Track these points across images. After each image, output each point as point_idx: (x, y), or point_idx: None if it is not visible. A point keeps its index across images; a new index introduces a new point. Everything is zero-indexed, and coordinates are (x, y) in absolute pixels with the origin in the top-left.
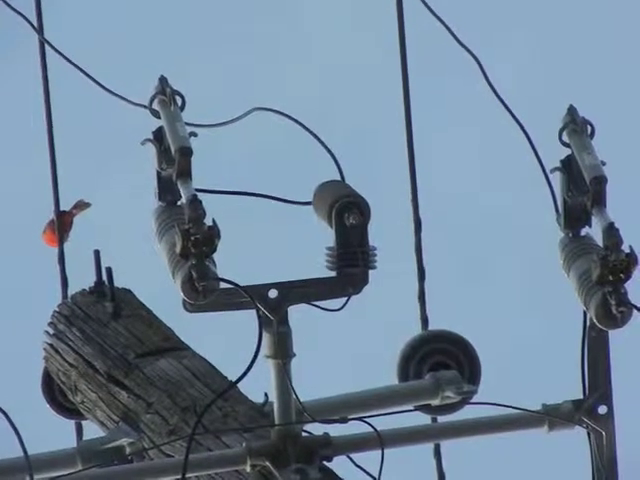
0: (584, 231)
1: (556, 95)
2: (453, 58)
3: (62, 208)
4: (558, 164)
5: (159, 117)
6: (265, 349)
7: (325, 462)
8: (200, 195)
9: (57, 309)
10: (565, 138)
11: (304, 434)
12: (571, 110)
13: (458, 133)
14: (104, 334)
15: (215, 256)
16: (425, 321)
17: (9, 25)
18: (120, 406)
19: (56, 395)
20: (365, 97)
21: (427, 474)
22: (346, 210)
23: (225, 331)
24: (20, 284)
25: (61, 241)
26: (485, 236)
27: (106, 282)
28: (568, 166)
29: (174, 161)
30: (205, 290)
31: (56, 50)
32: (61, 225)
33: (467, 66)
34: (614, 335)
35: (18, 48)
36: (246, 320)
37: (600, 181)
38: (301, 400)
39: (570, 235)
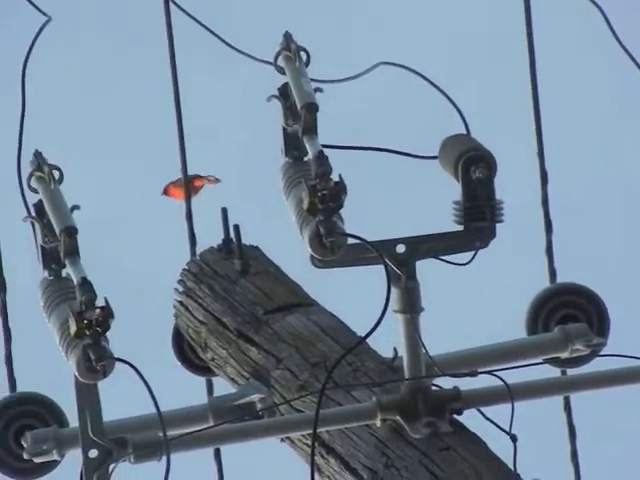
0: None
1: None
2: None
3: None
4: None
5: (284, 73)
6: (394, 304)
7: (455, 415)
8: (326, 151)
9: (186, 267)
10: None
11: (434, 388)
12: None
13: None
14: (233, 291)
15: (342, 212)
16: (553, 274)
17: None
18: (250, 362)
19: (186, 352)
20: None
21: (557, 428)
22: (472, 164)
23: (352, 287)
24: (149, 242)
25: (189, 198)
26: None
27: (234, 239)
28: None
29: (300, 117)
30: (333, 246)
31: (182, 9)
32: (190, 185)
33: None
34: None
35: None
36: (373, 275)
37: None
38: (430, 354)
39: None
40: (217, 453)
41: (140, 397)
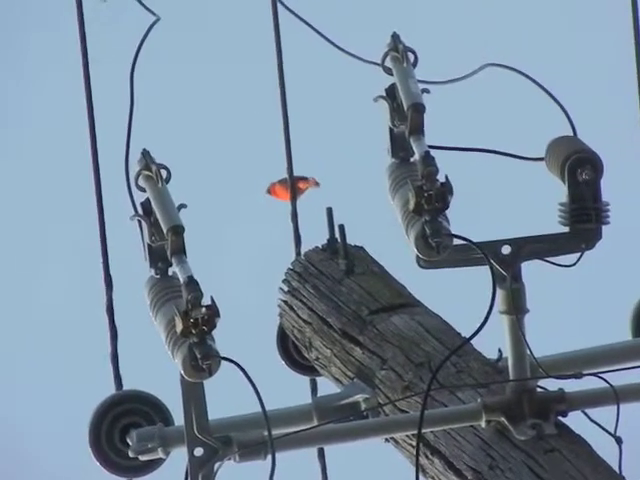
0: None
1: None
2: None
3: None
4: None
5: (391, 74)
6: (499, 305)
7: (560, 417)
8: (433, 151)
9: (291, 266)
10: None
11: (539, 390)
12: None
13: None
14: (338, 291)
15: (448, 212)
16: None
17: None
18: (355, 362)
19: (291, 351)
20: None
21: None
22: (579, 166)
23: (457, 288)
24: (254, 242)
25: (294, 199)
26: None
27: (339, 239)
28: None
29: (407, 118)
30: (439, 246)
31: (288, 9)
32: (294, 185)
33: None
34: None
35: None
36: (477, 276)
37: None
38: (535, 355)
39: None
40: (321, 453)
41: (244, 395)
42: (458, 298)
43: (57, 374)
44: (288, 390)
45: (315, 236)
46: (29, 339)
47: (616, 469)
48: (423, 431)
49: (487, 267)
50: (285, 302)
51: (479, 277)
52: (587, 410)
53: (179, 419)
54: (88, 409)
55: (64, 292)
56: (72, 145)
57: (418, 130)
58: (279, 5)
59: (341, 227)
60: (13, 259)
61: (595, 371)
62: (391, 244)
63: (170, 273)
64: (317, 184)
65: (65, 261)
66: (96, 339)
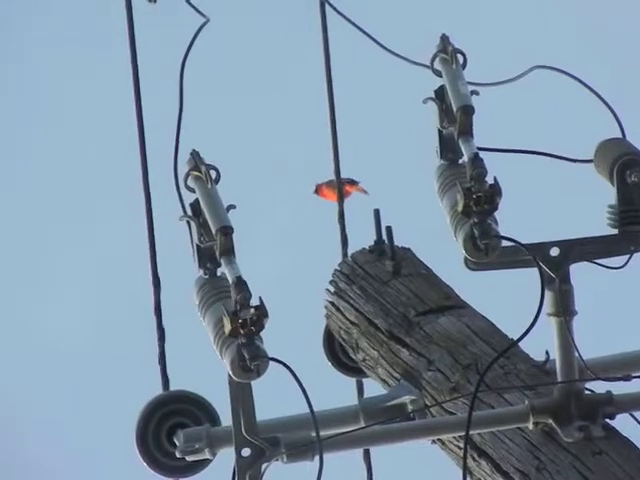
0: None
1: None
2: None
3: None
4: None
5: (441, 76)
6: (547, 307)
7: (608, 420)
8: (481, 153)
9: (338, 267)
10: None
11: (586, 392)
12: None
13: None
14: (384, 292)
15: (497, 214)
16: None
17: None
18: (401, 364)
19: (337, 353)
20: None
21: None
22: (628, 168)
23: (503, 290)
24: (301, 243)
25: (341, 200)
26: None
27: (386, 241)
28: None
29: (456, 120)
30: (487, 248)
31: (337, 11)
32: (341, 187)
33: None
34: None
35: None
36: (525, 278)
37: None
38: (583, 357)
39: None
40: (367, 454)
41: (291, 396)
42: (506, 300)
43: (106, 375)
44: (335, 391)
45: (362, 237)
46: (77, 341)
47: None
48: (470, 433)
49: (535, 269)
50: (332, 303)
51: (527, 279)
52: (635, 413)
53: (226, 420)
54: (136, 410)
55: (110, 293)
56: (121, 145)
57: (467, 132)
58: (327, 7)
59: (388, 229)
60: (60, 259)
61: None
62: (439, 245)
63: (219, 274)
64: (365, 191)
65: (113, 261)
66: (144, 340)
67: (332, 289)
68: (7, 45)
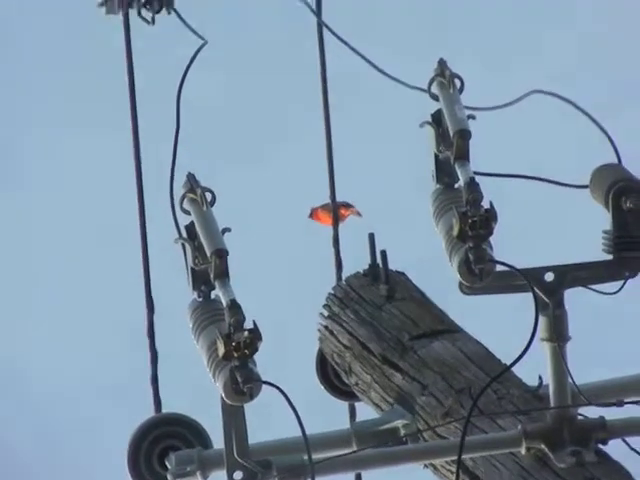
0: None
1: None
2: None
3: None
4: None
5: (437, 100)
6: (541, 332)
7: (600, 445)
8: (478, 178)
9: (332, 291)
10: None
11: (579, 417)
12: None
13: None
14: (378, 316)
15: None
16: None
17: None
18: (394, 388)
19: (330, 376)
20: None
21: None
22: (623, 194)
23: (497, 315)
24: (296, 267)
25: (336, 224)
26: None
27: (380, 265)
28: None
29: (452, 144)
30: (482, 272)
31: (333, 32)
32: (336, 211)
33: None
34: None
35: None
36: (517, 303)
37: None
38: (576, 383)
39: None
40: (358, 478)
41: (284, 419)
42: (500, 325)
43: (99, 397)
44: (327, 415)
45: (357, 261)
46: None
47: None
48: (462, 457)
49: (530, 294)
50: (325, 327)
51: (521, 304)
52: (628, 439)
53: (218, 443)
54: (128, 432)
55: (104, 313)
56: (116, 168)
57: (463, 156)
58: (324, 29)
59: (383, 253)
60: (56, 280)
61: (637, 399)
62: (433, 269)
63: (213, 296)
64: (359, 214)
65: (107, 283)
66: (137, 362)
67: (326, 313)
68: None
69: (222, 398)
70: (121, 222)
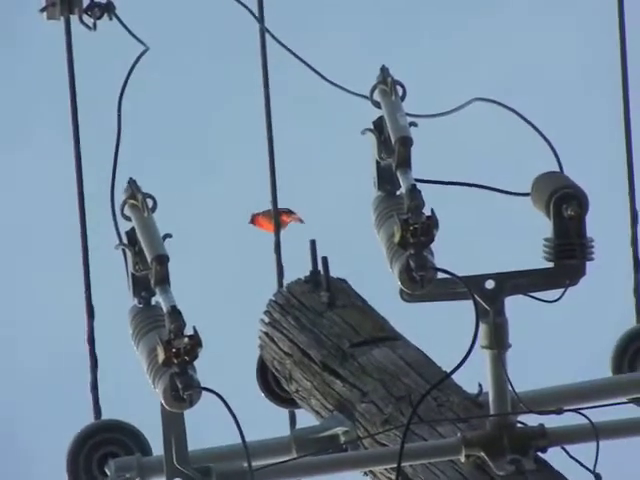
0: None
1: None
2: None
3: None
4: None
5: (380, 107)
6: (481, 339)
7: (540, 453)
8: (419, 185)
9: (273, 298)
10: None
11: (519, 425)
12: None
13: None
14: (319, 323)
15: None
16: None
17: (230, 17)
18: (335, 395)
19: (270, 383)
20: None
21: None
22: (564, 201)
23: (438, 322)
24: (237, 273)
25: (278, 231)
26: None
27: (322, 271)
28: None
29: (394, 151)
30: (423, 280)
31: (277, 39)
32: (277, 217)
33: None
34: None
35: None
36: (458, 310)
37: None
38: (516, 390)
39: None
40: None
41: (223, 426)
42: (440, 332)
43: (37, 402)
44: (267, 422)
45: (298, 268)
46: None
47: None
48: (402, 465)
49: (470, 301)
50: (266, 334)
51: (462, 311)
52: (567, 446)
53: (158, 449)
54: (67, 439)
55: (44, 320)
56: (57, 172)
57: (405, 163)
58: (267, 35)
59: (324, 259)
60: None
61: (575, 407)
62: (374, 276)
63: (153, 302)
64: (301, 221)
65: (46, 289)
66: (76, 368)
67: (266, 319)
68: None
69: (162, 405)
70: (61, 228)
